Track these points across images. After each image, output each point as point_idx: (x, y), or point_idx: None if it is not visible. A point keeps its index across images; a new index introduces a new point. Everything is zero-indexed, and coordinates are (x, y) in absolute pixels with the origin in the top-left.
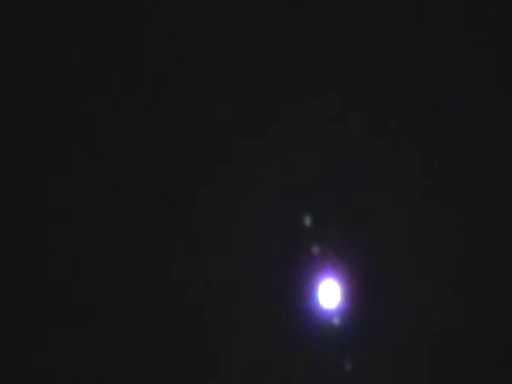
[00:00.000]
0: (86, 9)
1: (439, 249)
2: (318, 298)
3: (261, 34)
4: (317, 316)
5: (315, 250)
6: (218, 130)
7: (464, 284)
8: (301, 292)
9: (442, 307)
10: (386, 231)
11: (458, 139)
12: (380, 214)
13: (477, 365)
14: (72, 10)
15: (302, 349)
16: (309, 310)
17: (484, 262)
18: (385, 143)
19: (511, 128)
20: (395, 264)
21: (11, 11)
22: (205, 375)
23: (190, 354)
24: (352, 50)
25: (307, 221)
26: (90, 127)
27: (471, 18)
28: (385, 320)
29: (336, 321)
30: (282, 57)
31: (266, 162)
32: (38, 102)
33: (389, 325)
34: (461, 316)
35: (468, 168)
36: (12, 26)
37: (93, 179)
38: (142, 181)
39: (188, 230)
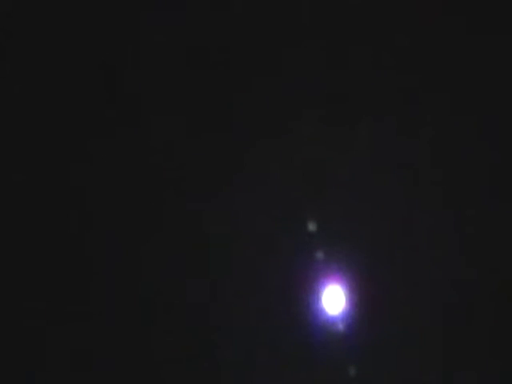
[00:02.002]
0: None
1: (445, 256)
2: (322, 304)
3: (260, 37)
4: (321, 322)
5: (320, 255)
6: (223, 134)
7: (470, 290)
8: (305, 298)
9: (447, 313)
10: (391, 238)
11: (464, 145)
12: (386, 221)
13: (482, 371)
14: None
15: (306, 354)
16: (313, 316)
17: (490, 269)
18: (392, 149)
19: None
20: (400, 270)
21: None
22: (208, 381)
23: (193, 358)
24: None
25: (312, 226)
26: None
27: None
28: (389, 326)
29: (340, 327)
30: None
31: (271, 166)
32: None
33: (393, 331)
34: (466, 322)
35: (475, 176)
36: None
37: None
38: (145, 183)
39: (193, 234)
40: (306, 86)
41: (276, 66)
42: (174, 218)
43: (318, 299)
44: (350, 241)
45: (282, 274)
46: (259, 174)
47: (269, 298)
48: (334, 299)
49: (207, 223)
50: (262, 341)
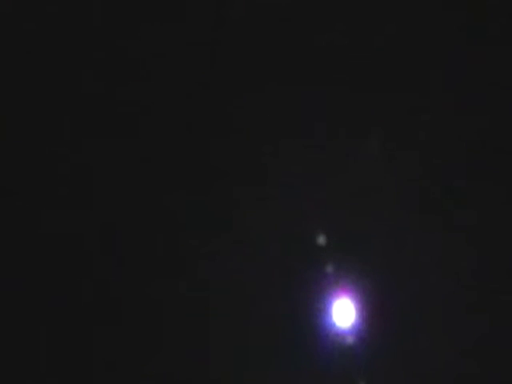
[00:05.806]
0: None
1: (456, 270)
2: (332, 317)
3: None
4: (331, 335)
5: (330, 268)
6: (231, 145)
7: (481, 304)
8: (315, 310)
9: (458, 326)
10: (402, 251)
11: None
12: (396, 234)
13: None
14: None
15: (316, 367)
16: (323, 329)
17: (501, 283)
18: (400, 164)
19: None
20: (410, 283)
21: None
22: None
23: (200, 367)
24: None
25: (322, 240)
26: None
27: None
28: (399, 339)
29: (350, 339)
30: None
31: (282, 179)
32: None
33: (403, 344)
34: (477, 335)
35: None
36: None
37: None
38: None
39: (200, 245)
40: (310, 96)
41: (282, 77)
42: (184, 233)
43: (328, 312)
44: (360, 254)
45: (292, 287)
46: (270, 187)
47: (279, 311)
48: (344, 312)
49: (216, 236)
50: (273, 353)
